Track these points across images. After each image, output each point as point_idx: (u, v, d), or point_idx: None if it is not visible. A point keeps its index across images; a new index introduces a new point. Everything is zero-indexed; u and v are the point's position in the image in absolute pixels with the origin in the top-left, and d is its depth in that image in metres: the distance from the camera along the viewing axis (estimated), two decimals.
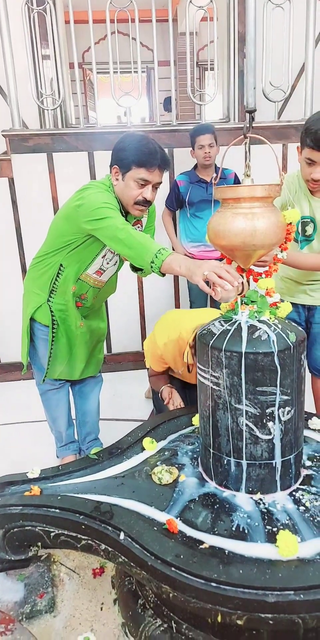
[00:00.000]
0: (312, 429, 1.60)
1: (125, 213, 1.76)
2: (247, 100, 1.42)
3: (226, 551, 1.10)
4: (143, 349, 2.42)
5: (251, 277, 1.42)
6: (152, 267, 1.46)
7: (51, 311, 1.90)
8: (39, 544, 1.33)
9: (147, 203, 1.71)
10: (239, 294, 1.30)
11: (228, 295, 1.28)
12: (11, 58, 3.01)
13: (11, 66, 3.03)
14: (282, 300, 1.39)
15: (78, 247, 1.77)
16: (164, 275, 1.49)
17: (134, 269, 1.82)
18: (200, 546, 1.12)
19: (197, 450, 1.49)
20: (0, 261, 3.33)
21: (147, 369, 2.28)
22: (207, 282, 1.30)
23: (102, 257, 1.82)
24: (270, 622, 0.98)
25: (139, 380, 2.53)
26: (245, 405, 1.21)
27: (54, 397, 2.10)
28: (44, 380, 2.02)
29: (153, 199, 1.73)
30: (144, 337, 3.52)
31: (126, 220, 1.69)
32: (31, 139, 3.13)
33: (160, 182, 1.72)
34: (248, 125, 1.37)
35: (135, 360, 3.47)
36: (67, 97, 4.08)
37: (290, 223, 1.34)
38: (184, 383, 2.34)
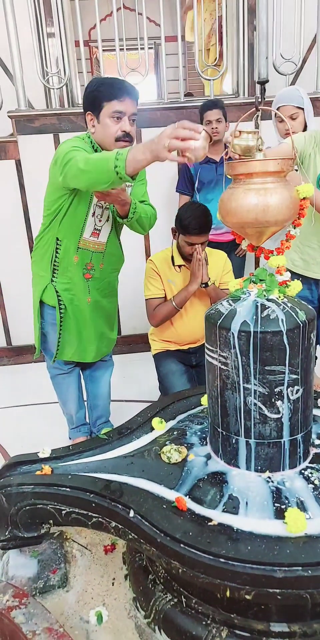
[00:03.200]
0: None
1: None
2: (259, 70, 1.36)
3: (234, 528, 1.10)
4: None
5: (262, 255, 1.38)
6: (117, 172, 1.38)
7: (56, 291, 1.90)
8: (51, 521, 1.35)
9: (128, 137, 1.68)
10: (210, 142, 1.24)
11: (198, 152, 1.22)
12: (16, 36, 2.97)
13: (16, 45, 2.98)
14: (293, 278, 1.35)
15: (67, 213, 1.78)
16: (133, 178, 1.42)
17: (120, 217, 1.81)
18: (209, 523, 1.13)
19: (206, 429, 1.50)
20: (9, 244, 3.34)
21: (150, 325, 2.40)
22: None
23: (93, 216, 1.82)
24: (278, 597, 0.99)
25: (148, 362, 2.54)
26: (254, 384, 1.21)
27: (64, 381, 2.12)
28: (53, 361, 2.03)
29: (133, 133, 1.71)
30: None
31: None
32: (37, 119, 3.10)
33: (136, 114, 1.70)
34: (260, 97, 1.31)
35: (145, 342, 3.47)
36: (73, 75, 4.01)
37: (304, 198, 1.29)
38: (190, 363, 2.35)
